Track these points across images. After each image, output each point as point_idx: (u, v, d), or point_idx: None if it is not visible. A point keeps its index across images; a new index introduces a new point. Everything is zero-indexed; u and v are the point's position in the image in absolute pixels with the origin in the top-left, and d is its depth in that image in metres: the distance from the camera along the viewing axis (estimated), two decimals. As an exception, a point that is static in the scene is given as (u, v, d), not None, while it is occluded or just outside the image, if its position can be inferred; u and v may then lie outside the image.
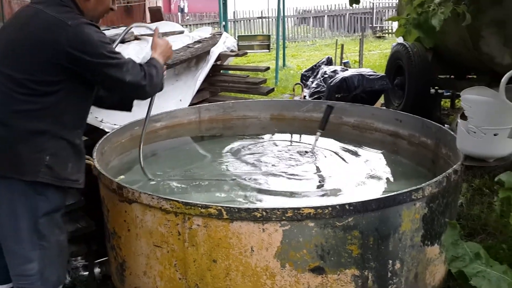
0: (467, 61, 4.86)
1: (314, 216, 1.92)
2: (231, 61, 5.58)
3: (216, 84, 4.67)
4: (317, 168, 3.09)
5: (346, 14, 19.77)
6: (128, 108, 2.45)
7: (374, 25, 18.93)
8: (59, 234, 2.07)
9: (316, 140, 3.21)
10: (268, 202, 2.55)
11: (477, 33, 4.23)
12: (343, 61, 8.90)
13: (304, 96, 6.61)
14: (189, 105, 3.95)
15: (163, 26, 4.96)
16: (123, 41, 3.91)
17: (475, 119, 2.40)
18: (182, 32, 4.79)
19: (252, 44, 11.39)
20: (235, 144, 3.49)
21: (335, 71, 6.29)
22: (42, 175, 1.92)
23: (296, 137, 3.81)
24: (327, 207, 1.93)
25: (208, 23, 17.33)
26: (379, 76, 5.68)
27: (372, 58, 12.37)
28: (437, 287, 2.37)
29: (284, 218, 1.92)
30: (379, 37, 18.02)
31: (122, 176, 2.79)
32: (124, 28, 4.49)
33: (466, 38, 4.39)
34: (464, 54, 4.70)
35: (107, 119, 3.34)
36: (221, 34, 4.78)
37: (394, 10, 17.16)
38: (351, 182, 2.81)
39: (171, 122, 3.57)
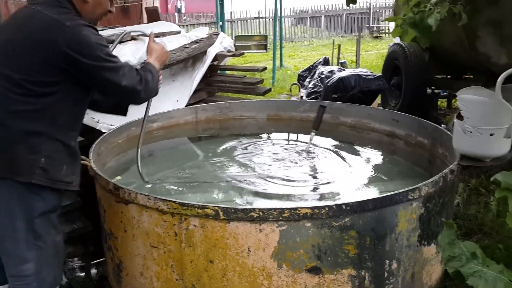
0: (463, 61, 4.87)
1: (311, 216, 1.92)
2: (228, 61, 5.58)
3: (213, 85, 4.67)
4: (314, 168, 3.09)
5: (343, 14, 19.79)
6: (123, 112, 2.45)
7: (371, 25, 18.96)
8: (55, 234, 2.07)
9: (311, 140, 3.21)
10: (265, 202, 2.56)
11: (473, 33, 4.24)
12: (340, 61, 8.92)
13: (301, 96, 6.62)
14: (186, 106, 3.94)
15: (160, 26, 4.95)
16: (119, 42, 3.90)
17: (471, 119, 2.40)
18: (179, 32, 4.77)
19: (249, 44, 11.37)
20: (232, 145, 3.49)
21: (332, 71, 6.31)
22: (37, 177, 1.92)
23: (293, 137, 3.81)
24: (324, 207, 1.93)
25: (205, 23, 17.32)
26: (376, 76, 5.70)
27: (369, 58, 12.39)
28: (434, 287, 2.37)
29: (281, 218, 1.92)
30: (376, 37, 18.06)
31: (118, 177, 2.79)
32: (120, 28, 4.50)
33: (462, 38, 4.40)
34: (460, 54, 4.72)
35: (104, 120, 3.33)
36: (218, 35, 4.78)
37: (391, 10, 17.18)
38: (347, 182, 2.82)
39: (167, 122, 3.56)
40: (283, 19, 13.86)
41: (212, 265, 2.04)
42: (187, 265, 2.08)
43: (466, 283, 1.93)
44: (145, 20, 7.83)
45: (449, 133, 2.73)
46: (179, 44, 4.27)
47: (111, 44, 2.41)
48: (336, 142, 3.44)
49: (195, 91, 4.20)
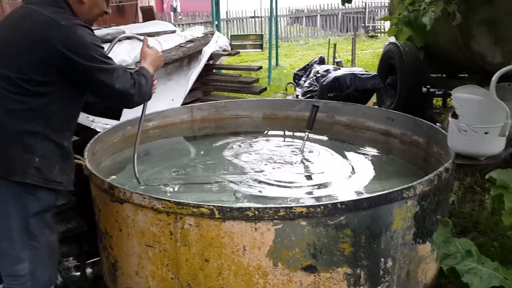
0: (458, 60, 4.89)
1: (306, 215, 1.93)
2: (224, 61, 5.57)
3: (208, 84, 4.66)
4: (309, 167, 3.09)
5: (338, 13, 19.81)
6: (116, 116, 2.44)
7: (366, 24, 18.98)
8: (50, 234, 2.06)
9: (305, 140, 3.22)
10: (260, 201, 2.55)
11: (468, 32, 4.25)
12: (336, 60, 8.92)
13: (297, 95, 6.63)
14: (182, 105, 3.94)
15: (155, 25, 4.95)
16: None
17: (466, 118, 2.41)
18: (174, 32, 4.77)
19: (245, 44, 11.39)
20: (228, 144, 3.49)
21: (327, 70, 6.31)
22: (30, 177, 1.91)
23: (289, 136, 3.81)
24: (319, 206, 1.94)
25: (201, 23, 17.31)
26: (371, 75, 5.71)
27: (365, 57, 12.41)
28: (429, 284, 2.38)
29: (276, 217, 1.92)
30: (372, 36, 18.08)
31: (113, 176, 2.78)
32: (115, 27, 4.48)
33: (457, 37, 4.41)
34: (455, 53, 4.73)
35: (99, 119, 3.31)
36: (213, 34, 4.77)
37: (386, 9, 17.23)
38: (342, 181, 2.82)
39: (163, 121, 3.56)
40: (278, 18, 13.86)
41: (207, 264, 2.03)
42: (182, 264, 2.08)
43: (461, 280, 1.94)
44: (140, 19, 7.81)
45: (444, 131, 2.73)
46: (174, 43, 4.27)
47: (108, 45, 2.39)
48: (331, 141, 3.45)
49: (191, 90, 4.20)
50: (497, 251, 2.95)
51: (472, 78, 4.92)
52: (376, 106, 6.06)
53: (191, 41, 4.40)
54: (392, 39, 6.13)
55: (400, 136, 3.28)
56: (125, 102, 2.16)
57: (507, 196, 1.96)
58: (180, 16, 20.95)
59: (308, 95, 6.40)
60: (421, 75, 5.60)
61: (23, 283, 2.01)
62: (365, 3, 19.67)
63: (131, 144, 3.00)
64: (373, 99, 6.29)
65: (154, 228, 2.09)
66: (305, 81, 6.97)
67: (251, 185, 2.74)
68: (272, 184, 2.77)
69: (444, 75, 5.77)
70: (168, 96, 4.03)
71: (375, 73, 6.09)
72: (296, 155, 3.22)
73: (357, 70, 5.94)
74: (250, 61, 12.41)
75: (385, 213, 2.04)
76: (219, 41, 4.62)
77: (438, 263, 2.37)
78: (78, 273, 2.67)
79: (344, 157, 3.19)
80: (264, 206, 1.96)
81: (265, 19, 17.95)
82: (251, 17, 19.06)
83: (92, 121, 3.27)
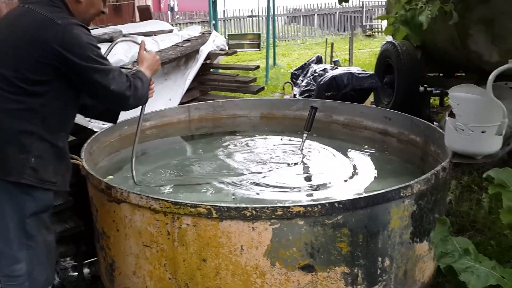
0: (455, 59, 4.89)
1: (304, 214, 1.93)
2: (221, 60, 5.57)
3: (206, 83, 4.66)
4: (307, 167, 3.09)
5: (336, 13, 19.82)
6: (113, 119, 2.42)
7: (364, 23, 19.00)
8: (47, 234, 2.06)
9: (303, 141, 3.22)
10: (258, 201, 2.55)
11: (465, 31, 4.26)
12: (333, 60, 8.93)
13: (294, 95, 6.64)
14: (179, 104, 3.93)
15: (152, 24, 4.95)
16: (111, 40, 3.89)
17: (463, 117, 2.41)
18: (171, 31, 4.77)
19: (243, 43, 11.40)
20: (225, 143, 3.49)
21: (325, 70, 6.32)
22: (26, 177, 1.91)
23: (286, 135, 3.81)
24: (316, 205, 1.93)
25: (198, 22, 17.30)
26: (368, 74, 5.72)
27: (362, 56, 12.42)
28: (426, 283, 2.38)
29: (273, 216, 1.92)
30: (369, 35, 18.10)
31: (111, 176, 2.77)
32: (112, 27, 4.48)
33: (454, 36, 4.42)
34: (452, 52, 4.74)
35: (96, 119, 3.31)
36: (210, 33, 4.77)
37: (383, 9, 17.24)
38: (340, 180, 2.82)
39: (160, 121, 3.55)
40: (276, 18, 13.86)
41: (205, 263, 2.03)
42: (180, 264, 2.08)
43: (458, 279, 1.94)
44: (137, 18, 7.80)
45: (441, 130, 2.74)
46: (171, 43, 4.27)
47: (105, 45, 2.39)
48: (329, 140, 3.45)
49: (188, 90, 4.20)
50: (494, 250, 2.96)
51: (469, 77, 4.93)
52: (374, 105, 6.07)
53: (188, 40, 4.40)
54: (389, 38, 6.12)
55: (397, 135, 3.28)
56: (120, 104, 2.14)
57: (505, 194, 1.96)
58: (178, 16, 20.93)
59: (305, 95, 6.41)
60: (418, 74, 5.60)
61: (21, 283, 2.01)
62: (363, 2, 19.70)
63: (128, 144, 3.00)
64: (371, 98, 6.30)
65: (152, 228, 2.09)
66: (302, 81, 6.98)
67: (248, 186, 2.74)
68: (270, 185, 2.76)
69: (441, 74, 5.77)
70: (166, 96, 4.03)
71: (373, 72, 6.10)
72: (293, 155, 3.22)
73: (354, 69, 5.95)
74: (248, 60, 12.40)
75: (382, 212, 2.05)
76: (216, 41, 4.62)
77: (435, 262, 2.38)
78: (76, 273, 2.67)
79: (342, 156, 3.19)
80: (262, 205, 1.96)
81: (262, 18, 17.94)
82: (248, 16, 19.06)
83: (89, 121, 3.26)
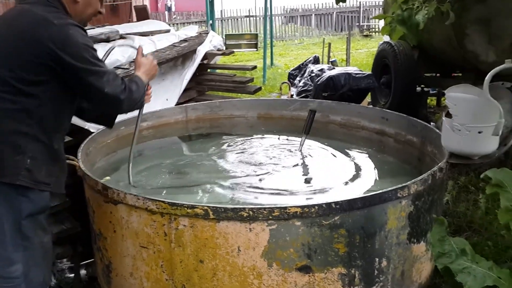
0: (452, 59, 4.90)
1: (301, 215, 1.92)
2: (218, 60, 5.56)
3: (203, 83, 4.65)
4: (304, 167, 3.09)
5: (333, 13, 19.84)
6: (109, 123, 2.39)
7: (361, 23, 19.03)
8: (43, 235, 2.05)
9: (302, 144, 3.23)
10: (255, 201, 2.55)
11: (462, 31, 4.27)
12: (330, 60, 8.94)
13: (292, 95, 6.64)
14: (176, 105, 3.93)
15: (149, 24, 4.93)
16: (108, 40, 3.87)
17: (459, 117, 2.41)
18: (168, 31, 4.75)
19: (240, 43, 11.41)
20: (223, 144, 3.48)
21: (322, 70, 6.33)
22: (21, 178, 1.90)
23: (283, 136, 3.81)
24: (313, 206, 1.93)
25: (196, 22, 17.29)
26: (365, 74, 5.72)
27: (359, 56, 12.43)
28: (424, 284, 2.38)
29: (271, 217, 1.92)
30: (366, 35, 18.13)
31: (107, 177, 2.77)
32: (109, 26, 4.46)
33: (451, 36, 4.43)
34: (449, 52, 4.74)
35: (93, 119, 3.30)
36: (207, 33, 4.76)
37: (380, 9, 17.26)
38: (337, 181, 2.82)
39: (157, 121, 3.54)
40: (273, 18, 13.86)
41: (202, 265, 2.03)
42: (177, 265, 2.07)
43: (455, 279, 1.94)
44: (134, 18, 7.78)
45: (438, 131, 2.74)
46: (168, 43, 4.25)
47: (102, 48, 2.38)
48: (326, 140, 3.44)
49: (185, 90, 4.18)
50: (491, 250, 2.96)
51: (466, 77, 4.94)
52: (371, 106, 6.07)
53: (185, 40, 4.39)
54: (386, 38, 6.14)
55: (394, 135, 3.28)
56: (114, 107, 2.12)
57: (502, 194, 1.97)
58: (175, 16, 20.91)
59: (302, 95, 6.41)
60: (415, 75, 5.61)
61: (17, 285, 1.99)
62: (360, 2, 19.72)
63: (125, 144, 2.99)
64: (368, 98, 6.30)
65: (148, 229, 2.08)
66: (299, 81, 6.98)
67: (246, 184, 2.74)
68: (267, 183, 2.76)
69: (438, 74, 5.78)
70: (162, 96, 4.01)
71: (370, 72, 6.10)
72: (291, 155, 3.21)
73: (352, 69, 5.96)
74: (245, 60, 12.40)
75: (379, 213, 2.04)
76: (213, 41, 4.61)
77: (432, 263, 2.38)
78: (72, 275, 2.66)
79: (339, 157, 3.19)
80: (259, 206, 1.95)
81: (259, 18, 17.95)
82: (245, 16, 19.05)
83: (85, 122, 3.25)
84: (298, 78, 7.23)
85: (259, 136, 3.78)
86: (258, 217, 1.92)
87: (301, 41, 17.74)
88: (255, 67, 5.25)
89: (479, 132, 2.38)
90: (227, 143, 3.49)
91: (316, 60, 7.87)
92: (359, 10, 19.44)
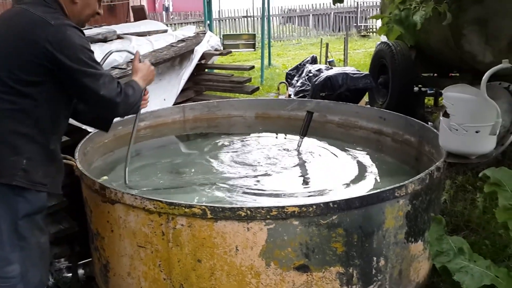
0: (449, 59, 4.91)
1: (299, 215, 1.92)
2: (216, 60, 5.56)
3: (200, 83, 4.65)
4: (302, 166, 3.09)
5: (331, 13, 19.85)
6: (104, 127, 2.37)
7: (358, 24, 19.04)
8: (40, 236, 2.04)
9: (299, 146, 3.24)
10: (253, 201, 2.55)
11: (459, 31, 4.28)
12: (328, 60, 8.94)
13: (289, 95, 6.64)
14: (174, 104, 3.92)
15: (146, 24, 4.93)
16: (105, 40, 3.87)
17: (457, 117, 2.42)
18: (165, 31, 4.75)
19: (238, 43, 11.40)
20: (220, 143, 3.48)
21: (319, 70, 6.33)
22: (18, 179, 1.89)
23: (281, 136, 3.81)
24: (311, 205, 1.93)
25: (193, 22, 17.28)
26: (363, 74, 5.73)
27: (357, 56, 12.45)
28: (421, 283, 2.38)
29: (268, 217, 1.92)
30: (364, 36, 18.14)
31: (105, 177, 2.76)
32: (106, 27, 4.46)
33: (448, 37, 4.43)
34: (446, 52, 4.75)
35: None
36: (205, 33, 4.76)
37: (378, 9, 17.27)
38: (335, 180, 2.82)
39: (155, 121, 3.54)
40: (271, 18, 13.86)
41: (200, 264, 2.03)
42: (174, 265, 2.07)
43: (453, 278, 1.94)
44: (131, 18, 7.78)
45: (435, 130, 2.74)
46: (165, 43, 4.25)
47: (99, 48, 2.37)
48: (323, 140, 3.45)
49: (183, 90, 4.18)
50: (489, 249, 2.97)
51: (463, 77, 4.94)
52: (368, 106, 6.08)
53: (182, 40, 4.39)
54: (384, 38, 6.14)
55: (392, 135, 3.28)
56: (109, 111, 2.10)
57: (500, 193, 1.97)
58: (172, 16, 20.89)
59: (300, 95, 6.42)
60: (413, 75, 5.62)
61: (13, 284, 1.99)
62: (357, 2, 19.74)
63: (122, 144, 2.99)
64: (365, 98, 6.31)
65: (146, 229, 2.08)
66: (297, 81, 6.98)
67: (244, 184, 2.74)
68: (265, 183, 2.77)
69: (435, 74, 5.79)
70: (160, 96, 4.01)
71: (367, 72, 6.11)
72: (288, 155, 3.22)
73: (349, 69, 5.96)
74: (243, 60, 12.39)
75: (377, 212, 2.05)
76: (210, 41, 4.61)
77: (430, 262, 2.38)
78: (70, 275, 2.66)
79: (336, 156, 3.20)
80: (256, 206, 1.96)
81: (257, 18, 17.93)
82: (243, 16, 19.05)
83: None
84: (295, 78, 7.23)
85: (257, 136, 3.79)
86: (256, 217, 1.92)
87: (298, 41, 17.75)
88: (252, 67, 5.24)
89: (477, 132, 2.39)
90: (225, 143, 3.49)
91: (314, 60, 7.87)
92: (357, 11, 19.45)
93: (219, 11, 18.34)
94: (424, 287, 2.44)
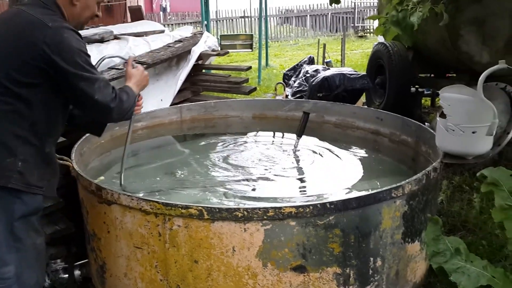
0: (446, 60, 4.92)
1: (296, 215, 1.92)
2: (213, 61, 5.56)
3: (197, 84, 4.64)
4: (299, 167, 3.09)
5: (328, 13, 19.85)
6: (97, 132, 2.37)
7: (356, 24, 19.06)
8: (36, 237, 2.03)
9: (295, 146, 3.24)
10: (250, 201, 2.54)
11: (456, 32, 4.28)
12: (325, 60, 8.94)
13: (287, 95, 6.64)
14: (171, 105, 3.92)
15: (143, 25, 4.92)
16: (102, 41, 3.86)
17: (453, 117, 2.42)
18: (162, 31, 4.75)
19: (235, 44, 11.38)
20: (217, 144, 3.48)
21: (317, 70, 6.33)
22: (13, 181, 1.88)
23: (278, 136, 3.81)
24: (308, 206, 1.93)
25: (191, 23, 17.27)
26: (360, 75, 5.72)
27: (354, 57, 12.45)
28: (418, 283, 2.38)
29: (265, 217, 1.92)
30: (361, 36, 18.15)
31: (101, 177, 2.76)
32: (103, 27, 4.45)
33: (445, 37, 4.44)
34: (443, 53, 4.76)
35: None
36: (202, 34, 4.76)
37: (375, 10, 17.29)
38: (332, 181, 2.83)
39: (152, 122, 3.53)
40: (268, 18, 13.87)
41: (196, 265, 2.02)
42: (171, 266, 2.06)
43: (450, 279, 1.94)
44: (129, 19, 7.76)
45: (432, 131, 2.75)
46: (162, 43, 4.25)
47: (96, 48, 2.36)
48: (321, 141, 3.45)
49: (180, 91, 4.18)
50: (485, 250, 2.97)
51: (460, 78, 4.95)
52: (365, 106, 6.08)
53: (179, 41, 4.39)
54: (381, 38, 6.15)
55: (389, 135, 3.29)
56: (103, 115, 2.09)
57: (497, 193, 1.97)
58: (170, 16, 20.87)
59: (297, 95, 6.41)
60: (410, 75, 5.62)
61: (9, 286, 1.97)
62: (355, 3, 19.74)
63: (119, 144, 2.98)
64: (362, 99, 6.31)
65: (143, 230, 2.07)
66: (294, 81, 6.98)
67: (241, 184, 2.74)
68: (262, 183, 2.77)
69: (432, 75, 5.80)
70: (157, 96, 4.01)
71: (364, 73, 6.11)
72: (285, 154, 3.22)
73: (346, 70, 5.96)
74: (240, 61, 12.39)
75: (374, 213, 2.05)
76: (208, 41, 4.61)
77: (427, 262, 2.38)
78: (66, 276, 2.64)
79: (333, 156, 3.20)
80: (253, 206, 1.96)
81: (255, 19, 17.92)
82: (240, 17, 19.04)
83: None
84: (293, 79, 7.23)
85: (254, 136, 3.79)
86: (253, 217, 1.92)
87: (296, 42, 17.75)
88: (250, 67, 5.24)
89: (473, 132, 2.39)
90: (222, 144, 3.49)
91: (311, 61, 7.87)
92: (354, 11, 19.46)
93: (216, 11, 18.30)
94: (421, 288, 2.45)
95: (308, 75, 6.44)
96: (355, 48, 14.70)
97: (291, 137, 3.43)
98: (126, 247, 2.16)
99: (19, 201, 1.92)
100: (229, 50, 7.08)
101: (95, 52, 3.55)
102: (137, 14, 6.52)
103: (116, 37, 4.10)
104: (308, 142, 3.39)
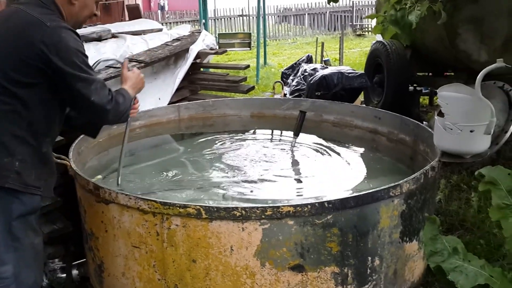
0: (444, 58, 4.92)
1: (294, 214, 1.92)
2: (211, 59, 5.55)
3: (195, 82, 4.63)
4: (297, 166, 3.09)
5: (326, 12, 19.86)
6: (92, 133, 2.36)
7: (354, 23, 19.07)
8: (34, 237, 2.03)
9: (293, 145, 3.24)
10: (248, 201, 2.54)
11: (454, 30, 4.28)
12: (323, 59, 8.94)
13: (285, 94, 6.63)
14: (169, 104, 3.91)
15: (141, 23, 4.92)
16: (99, 39, 3.85)
17: (451, 116, 2.42)
18: (160, 30, 4.74)
19: (233, 42, 11.37)
20: (215, 143, 3.47)
21: (315, 69, 6.33)
22: (11, 181, 1.87)
23: (276, 135, 3.81)
24: (306, 205, 1.93)
25: (189, 21, 17.27)
26: (358, 74, 5.73)
27: (352, 56, 12.46)
28: (416, 282, 2.39)
29: (263, 216, 1.91)
30: (359, 35, 18.16)
31: (99, 176, 2.75)
32: (101, 26, 4.44)
33: (443, 36, 4.44)
34: (441, 51, 4.76)
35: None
36: (200, 32, 4.75)
37: (373, 8, 17.30)
38: (330, 180, 2.82)
39: (149, 121, 3.53)
40: (267, 17, 13.85)
41: (194, 264, 2.02)
42: (169, 265, 2.06)
43: (447, 278, 1.95)
44: (126, 17, 7.74)
45: (430, 130, 2.75)
46: (160, 42, 4.24)
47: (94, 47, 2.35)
48: (319, 140, 3.45)
49: (178, 89, 4.17)
50: (483, 249, 2.98)
51: (458, 77, 4.95)
52: (364, 105, 6.08)
53: (177, 39, 4.38)
54: (379, 37, 6.14)
55: (387, 134, 3.29)
56: (99, 117, 2.07)
57: (494, 192, 1.97)
58: (168, 15, 20.84)
59: (295, 94, 6.41)
60: (408, 74, 5.63)
61: (7, 285, 1.97)
62: (353, 2, 19.76)
63: (117, 143, 2.98)
64: (361, 97, 6.31)
65: (140, 229, 2.07)
66: (292, 80, 6.98)
67: (239, 184, 2.73)
68: (260, 183, 2.76)
69: (430, 74, 5.80)
70: (155, 95, 4.00)
71: (362, 71, 6.11)
72: (283, 153, 3.21)
73: (344, 68, 5.96)
74: (238, 59, 12.38)
75: (372, 212, 2.05)
76: (206, 40, 4.60)
77: (425, 261, 2.38)
78: (64, 275, 2.64)
79: (332, 155, 3.20)
80: (251, 206, 1.95)
81: (253, 17, 17.93)
82: (239, 15, 19.03)
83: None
84: (291, 77, 7.23)
85: (252, 135, 3.78)
86: (251, 217, 1.91)
87: (294, 41, 17.75)
88: (248, 66, 5.23)
89: (471, 131, 2.39)
90: (220, 142, 3.48)
91: (309, 60, 7.87)
92: (352, 10, 19.48)
93: (214, 10, 18.32)
94: (419, 287, 2.44)
95: (306, 73, 6.44)
96: (353, 47, 14.70)
97: (289, 135, 3.42)
98: (124, 246, 2.16)
99: (17, 201, 1.91)
100: (227, 49, 7.06)
101: (92, 51, 3.54)
102: (135, 13, 6.50)
103: (114, 36, 4.10)
104: (306, 140, 3.39)
